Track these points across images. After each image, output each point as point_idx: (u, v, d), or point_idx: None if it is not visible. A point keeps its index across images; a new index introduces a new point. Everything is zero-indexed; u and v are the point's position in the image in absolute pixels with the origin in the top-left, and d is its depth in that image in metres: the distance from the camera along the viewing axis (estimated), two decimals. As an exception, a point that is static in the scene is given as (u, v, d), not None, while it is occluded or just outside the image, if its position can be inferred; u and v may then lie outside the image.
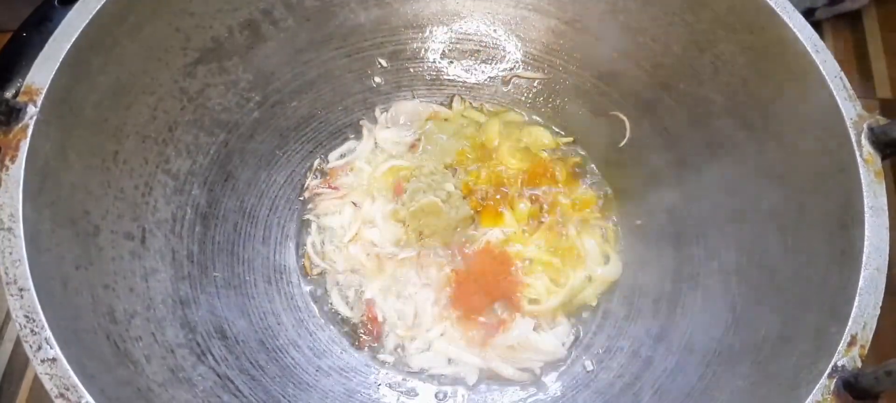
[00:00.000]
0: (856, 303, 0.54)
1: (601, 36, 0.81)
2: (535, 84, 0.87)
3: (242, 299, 0.74)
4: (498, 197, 0.81)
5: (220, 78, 0.76)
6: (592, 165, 0.86)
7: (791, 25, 0.65)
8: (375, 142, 0.86)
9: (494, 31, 0.87)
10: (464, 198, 0.81)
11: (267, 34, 0.78)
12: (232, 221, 0.77)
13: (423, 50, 0.88)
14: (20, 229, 0.54)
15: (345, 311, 0.77)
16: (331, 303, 0.78)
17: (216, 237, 0.75)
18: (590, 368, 0.74)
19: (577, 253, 0.79)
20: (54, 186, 0.59)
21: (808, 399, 0.52)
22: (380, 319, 0.76)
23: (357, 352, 0.75)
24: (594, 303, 0.78)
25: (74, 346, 0.52)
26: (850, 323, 0.54)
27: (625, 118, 0.83)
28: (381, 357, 0.75)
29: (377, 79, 0.87)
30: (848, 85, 0.62)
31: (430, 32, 0.87)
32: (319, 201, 0.82)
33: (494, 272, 0.77)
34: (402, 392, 0.74)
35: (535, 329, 0.75)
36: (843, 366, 0.52)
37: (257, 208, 0.79)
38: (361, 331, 0.76)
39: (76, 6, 0.61)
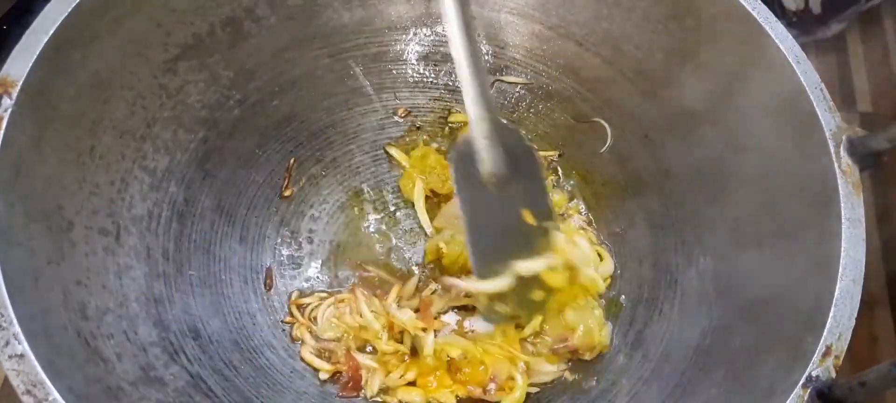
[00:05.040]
0: (831, 314, 0.54)
1: (584, 42, 0.81)
2: (518, 89, 0.87)
3: (218, 298, 0.73)
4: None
5: (200, 75, 0.75)
6: (573, 171, 0.86)
7: (773, 36, 0.65)
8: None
9: (477, 35, 0.87)
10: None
11: (249, 32, 0.77)
12: (209, 220, 0.76)
13: (406, 52, 0.88)
14: (-9, 222, 0.53)
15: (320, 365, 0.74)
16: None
17: (193, 235, 0.75)
18: (568, 378, 0.74)
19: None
20: (28, 180, 0.58)
21: (783, 409, 0.52)
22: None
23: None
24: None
25: (43, 343, 0.52)
26: (825, 334, 0.54)
27: (606, 124, 0.83)
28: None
29: (359, 81, 0.86)
30: (828, 96, 0.62)
31: (414, 34, 0.87)
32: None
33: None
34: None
35: None
36: (817, 376, 0.52)
37: (235, 207, 0.79)
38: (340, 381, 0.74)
39: (55, -2, 0.61)
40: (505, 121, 0.74)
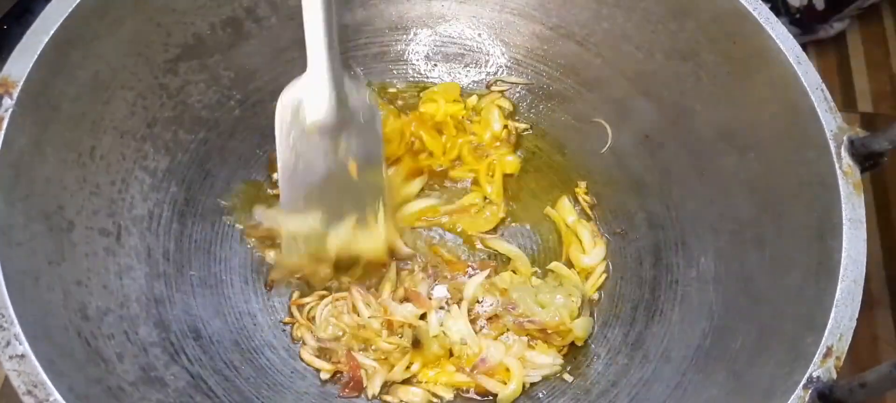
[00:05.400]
0: (832, 315, 0.54)
1: (585, 42, 0.81)
2: (519, 89, 0.87)
3: (218, 299, 0.73)
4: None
5: (201, 75, 0.75)
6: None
7: (774, 36, 0.65)
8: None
9: (479, 35, 0.87)
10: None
11: (250, 32, 0.77)
12: (210, 220, 0.76)
13: (406, 52, 0.88)
14: (-8, 223, 0.53)
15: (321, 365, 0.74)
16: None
17: (193, 235, 0.75)
18: (568, 379, 0.74)
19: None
20: (28, 180, 0.58)
21: (783, 410, 0.52)
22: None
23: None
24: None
25: (44, 343, 0.52)
26: (826, 334, 0.53)
27: (607, 125, 0.83)
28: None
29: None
30: (829, 97, 0.62)
31: (415, 35, 0.87)
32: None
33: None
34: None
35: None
36: (818, 377, 0.52)
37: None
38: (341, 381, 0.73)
39: (56, -2, 0.61)
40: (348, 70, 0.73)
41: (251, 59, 0.79)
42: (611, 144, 0.82)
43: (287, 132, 0.68)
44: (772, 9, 0.67)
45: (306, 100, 0.66)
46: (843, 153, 0.60)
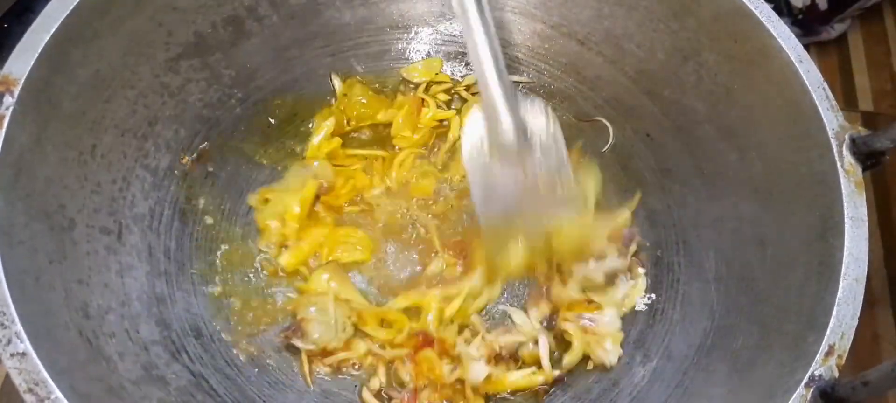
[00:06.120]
0: (834, 313, 0.54)
1: (586, 41, 0.81)
2: (520, 88, 0.87)
3: (219, 297, 0.73)
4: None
5: (202, 74, 0.75)
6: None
7: (775, 35, 0.65)
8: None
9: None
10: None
11: (251, 30, 0.77)
12: (211, 218, 0.76)
13: (408, 50, 0.88)
14: (-7, 221, 0.53)
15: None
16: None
17: (194, 234, 0.75)
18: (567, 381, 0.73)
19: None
20: (29, 179, 0.58)
21: (785, 409, 0.52)
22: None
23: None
24: None
25: (45, 341, 0.51)
26: (827, 333, 0.54)
27: (608, 124, 0.83)
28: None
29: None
30: (830, 95, 0.62)
31: (416, 33, 0.87)
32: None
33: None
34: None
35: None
36: (820, 376, 0.52)
37: (237, 205, 0.78)
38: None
39: (57, -4, 0.60)
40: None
41: (252, 58, 0.79)
42: (612, 143, 0.82)
43: (477, 166, 0.69)
44: (774, 9, 0.67)
45: (488, 132, 0.68)
46: (845, 152, 0.60)
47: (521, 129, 0.67)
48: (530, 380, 0.70)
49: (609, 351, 0.71)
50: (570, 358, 0.71)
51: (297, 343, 0.70)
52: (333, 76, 0.85)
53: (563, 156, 0.71)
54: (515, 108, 0.67)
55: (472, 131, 0.69)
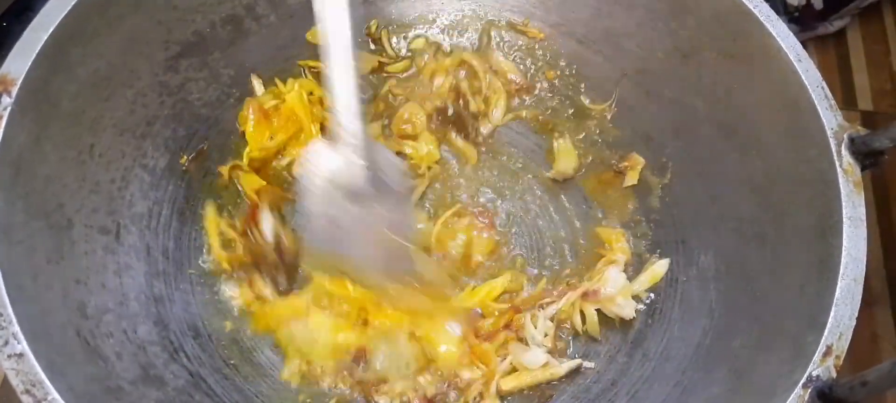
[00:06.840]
0: (832, 313, 0.54)
1: (585, 40, 0.81)
2: (519, 87, 0.87)
3: (217, 297, 0.73)
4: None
5: (201, 73, 0.75)
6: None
7: (774, 34, 0.65)
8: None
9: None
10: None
11: (249, 30, 0.77)
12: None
13: (406, 50, 0.87)
14: (-9, 221, 0.53)
15: None
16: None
17: (192, 233, 0.74)
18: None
19: None
20: (28, 178, 0.58)
21: (783, 409, 0.52)
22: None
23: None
24: None
25: (43, 342, 0.52)
26: (826, 333, 0.54)
27: (608, 123, 0.82)
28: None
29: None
30: (829, 95, 0.62)
31: (415, 33, 0.87)
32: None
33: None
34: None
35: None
36: (818, 376, 0.52)
37: (236, 205, 0.78)
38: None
39: (56, -5, 0.60)
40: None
41: (251, 57, 0.79)
42: (611, 141, 0.82)
43: (320, 196, 0.66)
44: (771, 7, 0.67)
45: (339, 168, 0.63)
46: (844, 151, 0.60)
47: (372, 176, 0.64)
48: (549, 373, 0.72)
49: (623, 306, 0.72)
50: (590, 326, 0.73)
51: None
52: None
53: (410, 215, 0.72)
54: (370, 151, 0.63)
55: (318, 163, 0.64)
